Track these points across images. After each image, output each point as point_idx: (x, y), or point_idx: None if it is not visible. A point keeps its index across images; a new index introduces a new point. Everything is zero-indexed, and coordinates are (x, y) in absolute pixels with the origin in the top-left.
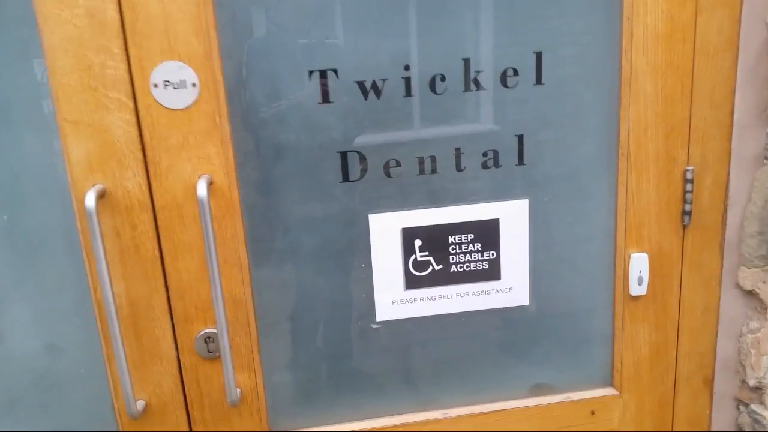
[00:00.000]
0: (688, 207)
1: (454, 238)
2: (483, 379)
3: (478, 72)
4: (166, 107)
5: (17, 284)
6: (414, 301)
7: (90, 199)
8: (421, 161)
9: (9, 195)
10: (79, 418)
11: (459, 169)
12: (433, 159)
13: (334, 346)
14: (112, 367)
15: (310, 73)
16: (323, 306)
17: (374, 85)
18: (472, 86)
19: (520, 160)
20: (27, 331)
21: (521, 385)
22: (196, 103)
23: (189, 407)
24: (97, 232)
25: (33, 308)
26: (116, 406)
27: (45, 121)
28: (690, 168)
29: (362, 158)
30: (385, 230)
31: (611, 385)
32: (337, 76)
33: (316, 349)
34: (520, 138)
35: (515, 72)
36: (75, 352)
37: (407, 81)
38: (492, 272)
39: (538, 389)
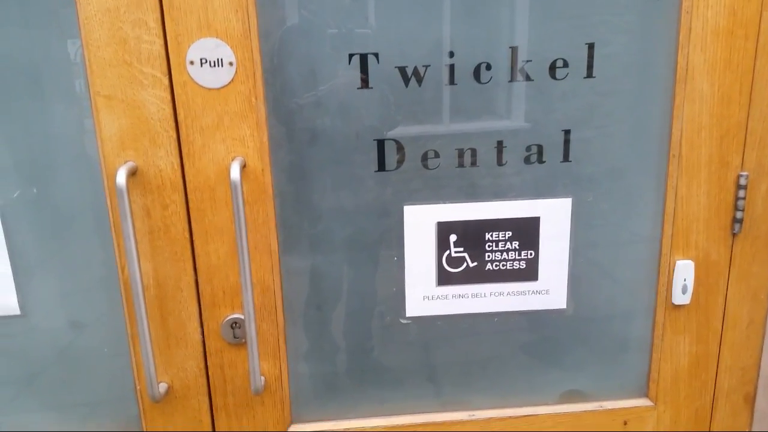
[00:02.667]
0: (739, 215)
1: (491, 235)
2: (513, 382)
3: (525, 62)
4: (201, 86)
5: (44, 259)
6: (446, 297)
7: (121, 177)
8: (461, 153)
9: (41, 169)
10: (99, 396)
11: (500, 163)
12: (473, 152)
13: (361, 339)
14: (136, 347)
15: (350, 56)
16: (352, 297)
17: (416, 72)
18: (519, 76)
19: (565, 156)
20: (52, 307)
21: (553, 390)
22: (232, 82)
23: (212, 393)
24: (127, 211)
25: (59, 284)
26: (138, 388)
27: (78, 98)
28: (744, 174)
29: (399, 147)
30: (420, 223)
31: (646, 395)
32: (378, 60)
33: (342, 341)
34: (567, 133)
35: (565, 63)
36: (99, 330)
37: (451, 68)
38: (529, 272)
39: (570, 396)
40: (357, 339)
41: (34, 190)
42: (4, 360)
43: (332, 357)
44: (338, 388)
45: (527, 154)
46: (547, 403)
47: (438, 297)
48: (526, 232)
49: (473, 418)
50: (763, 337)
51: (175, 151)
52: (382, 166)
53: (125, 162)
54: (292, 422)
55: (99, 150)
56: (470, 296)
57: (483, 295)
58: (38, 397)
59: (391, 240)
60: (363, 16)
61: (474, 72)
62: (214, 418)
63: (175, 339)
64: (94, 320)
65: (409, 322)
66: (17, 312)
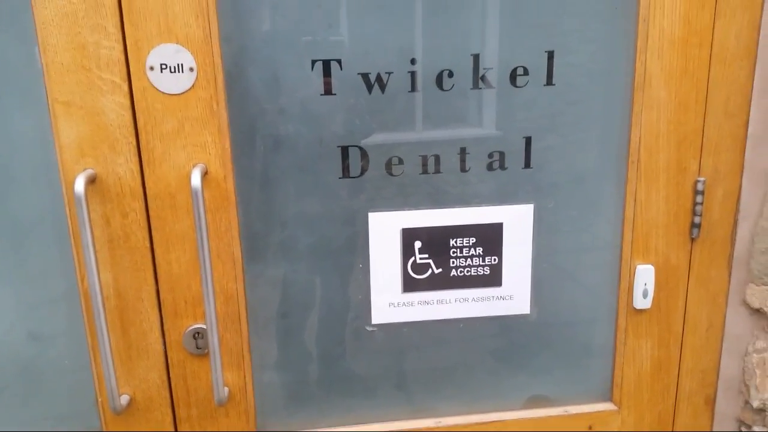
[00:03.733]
0: (697, 219)
1: (456, 241)
2: (479, 388)
3: (486, 69)
4: (161, 91)
5: (1, 270)
6: (411, 304)
7: (79, 185)
8: (425, 160)
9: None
10: (61, 409)
11: (463, 170)
12: (437, 158)
13: (327, 347)
14: (97, 359)
15: (313, 62)
16: (317, 305)
17: (379, 79)
18: (480, 84)
19: (527, 163)
20: (10, 319)
21: (518, 396)
22: (192, 88)
23: (175, 404)
24: (86, 219)
25: (17, 295)
26: (99, 400)
27: (36, 104)
28: (701, 179)
29: (364, 154)
30: (385, 230)
31: (610, 399)
32: (341, 67)
33: (308, 349)
34: (528, 140)
35: (525, 71)
36: (59, 343)
37: (413, 75)
38: (493, 278)
39: (536, 401)
40: (324, 347)
41: None
42: None
43: (298, 365)
44: (305, 397)
45: (490, 160)
46: (513, 409)
47: (403, 304)
48: (490, 238)
49: (440, 425)
50: (722, 340)
51: (135, 158)
52: (346, 173)
53: (84, 169)
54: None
55: (57, 157)
56: (435, 303)
57: (448, 302)
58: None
59: (356, 247)
60: (327, 22)
61: (436, 79)
62: (178, 429)
63: (136, 350)
64: (55, 333)
65: (375, 329)
66: None
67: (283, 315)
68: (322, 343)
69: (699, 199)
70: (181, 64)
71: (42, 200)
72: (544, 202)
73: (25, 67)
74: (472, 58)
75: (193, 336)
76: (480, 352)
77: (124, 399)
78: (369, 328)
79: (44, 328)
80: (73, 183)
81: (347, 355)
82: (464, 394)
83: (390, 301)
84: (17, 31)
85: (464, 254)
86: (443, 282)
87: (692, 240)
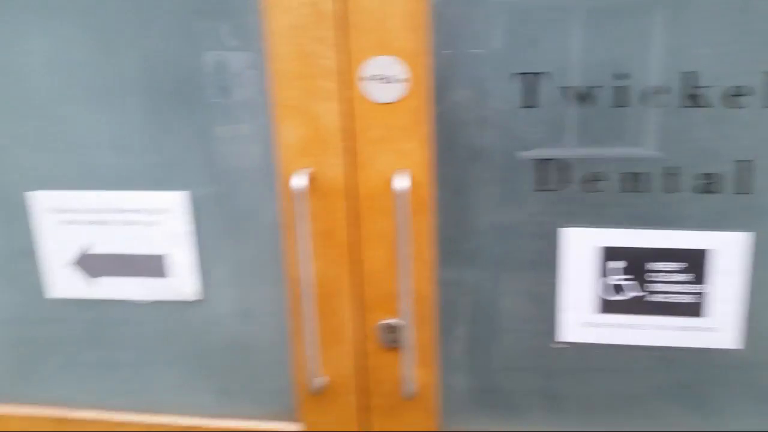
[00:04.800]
0: None
1: (658, 265)
2: (666, 422)
3: (702, 87)
4: (373, 100)
5: (224, 251)
6: (603, 326)
7: (300, 182)
8: (628, 177)
9: (228, 169)
10: (259, 384)
11: (670, 190)
12: (640, 176)
13: (510, 357)
14: (298, 341)
15: (518, 75)
16: (504, 315)
17: (585, 93)
18: (693, 102)
19: (746, 187)
20: (226, 297)
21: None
22: (402, 98)
23: (364, 393)
24: (303, 214)
25: (233, 275)
26: (296, 379)
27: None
28: None
29: (562, 168)
30: (580, 247)
31: None
32: (546, 79)
33: (492, 357)
34: (748, 163)
35: (745, 91)
36: (264, 322)
37: (623, 90)
38: (696, 307)
39: None
40: (506, 357)
41: (221, 189)
42: (182, 341)
43: (481, 372)
44: (486, 404)
45: (703, 182)
46: None
47: (595, 325)
48: (696, 264)
49: None
50: None
51: (345, 161)
52: (542, 186)
53: (301, 169)
54: (439, 430)
55: (277, 156)
56: (630, 327)
57: (644, 327)
58: (205, 379)
59: (548, 261)
60: (533, 35)
61: (647, 95)
62: (365, 416)
63: (332, 337)
64: (262, 313)
65: (562, 347)
66: (195, 298)
67: (471, 321)
68: (505, 352)
69: None
70: (394, 75)
71: (260, 195)
72: (764, 229)
73: (254, 74)
74: (685, 75)
75: (386, 330)
76: (672, 384)
77: (320, 381)
78: (554, 346)
79: (252, 307)
80: (290, 180)
81: (530, 369)
82: (649, 424)
83: (580, 321)
84: (250, 42)
85: (666, 279)
86: (640, 306)
87: None
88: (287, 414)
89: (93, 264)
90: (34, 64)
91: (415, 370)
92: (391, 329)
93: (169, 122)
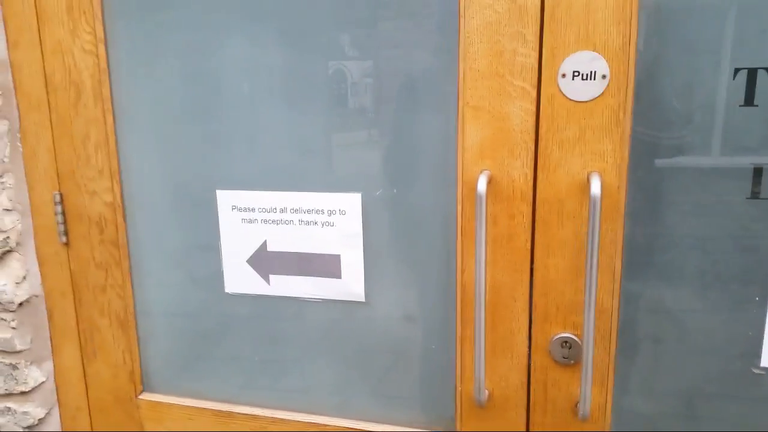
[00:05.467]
0: None
1: None
2: None
3: None
4: (569, 98)
5: (392, 253)
6: None
7: (482, 184)
8: None
9: (403, 171)
10: (419, 390)
11: None
12: None
13: (700, 381)
14: (464, 349)
15: (736, 71)
16: (695, 335)
17: None
18: None
19: None
20: (392, 299)
21: None
22: (601, 96)
23: (531, 409)
24: (483, 218)
25: (400, 278)
26: (459, 389)
27: (447, 107)
28: None
29: None
30: None
31: None
32: (765, 76)
33: (677, 380)
34: None
35: None
36: (431, 328)
37: None
38: None
39: None
40: (694, 381)
41: (395, 191)
42: (347, 342)
43: (662, 396)
44: (661, 427)
45: None
46: None
47: None
48: None
49: None
50: None
51: (531, 163)
52: (756, 194)
53: (483, 170)
54: None
55: (459, 158)
56: None
57: None
58: (366, 381)
59: (754, 277)
60: (759, 27)
61: None
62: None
63: (501, 348)
64: (427, 318)
65: (763, 372)
66: (362, 299)
67: (654, 339)
68: (692, 376)
69: None
70: (594, 72)
71: (437, 195)
72: None
73: (444, 73)
74: None
75: (561, 344)
76: None
77: (485, 393)
78: (756, 371)
79: (418, 311)
80: (471, 182)
81: (722, 396)
82: None
83: None
84: (442, 41)
85: None
86: None
87: None
88: (446, 423)
89: (270, 261)
90: (227, 67)
91: (591, 389)
92: (567, 344)
93: (349, 124)
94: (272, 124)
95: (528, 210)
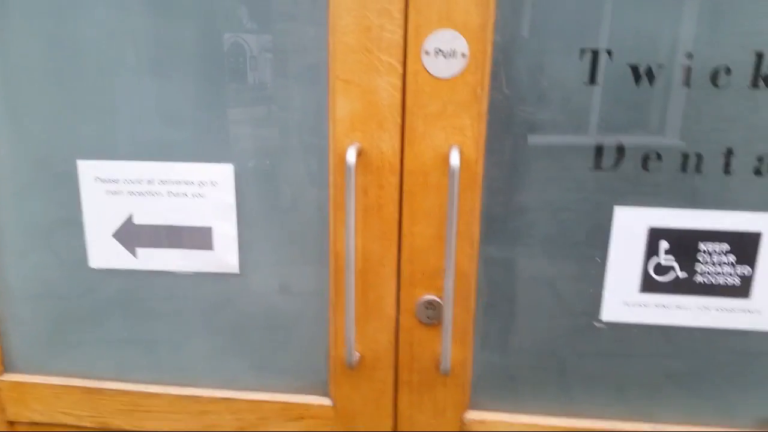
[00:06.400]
0: None
1: (706, 246)
2: (704, 400)
3: None
4: (432, 75)
5: (266, 224)
6: (647, 306)
7: (351, 156)
8: (686, 158)
9: (277, 143)
10: (294, 356)
11: (726, 171)
12: (699, 157)
13: (549, 336)
14: (337, 316)
15: (582, 51)
16: (545, 294)
17: (649, 71)
18: (762, 83)
19: None
20: (266, 270)
21: (747, 414)
22: (462, 73)
23: (398, 367)
24: (352, 188)
25: (274, 247)
26: (332, 353)
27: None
28: None
29: (620, 146)
30: (631, 226)
31: None
32: (610, 57)
33: (529, 335)
34: None
35: None
36: (305, 297)
37: (687, 70)
38: (742, 289)
39: (764, 424)
40: (545, 336)
41: (268, 162)
42: (219, 313)
43: (517, 350)
44: (519, 382)
45: (758, 164)
46: (738, 427)
47: (639, 304)
48: (745, 246)
49: (656, 430)
50: None
51: (398, 136)
52: (598, 165)
53: (353, 143)
54: (469, 408)
55: (330, 130)
56: (674, 307)
57: (688, 308)
58: (241, 348)
59: (596, 240)
60: (599, 11)
61: (711, 75)
62: (398, 391)
63: (372, 312)
64: (301, 287)
65: (603, 326)
66: (236, 271)
67: (510, 299)
68: (544, 331)
69: None
70: (455, 50)
71: (310, 167)
72: None
73: (317, 46)
74: (755, 55)
75: (426, 306)
76: (713, 365)
77: (356, 356)
78: (597, 324)
79: (294, 281)
80: (342, 154)
81: (569, 348)
82: (688, 405)
83: (625, 300)
84: (313, 15)
85: (714, 261)
86: (686, 287)
87: None
88: (320, 389)
89: (137, 234)
90: (88, 33)
91: (451, 347)
92: (431, 306)
93: (218, 95)
94: (139, 93)
95: (396, 181)
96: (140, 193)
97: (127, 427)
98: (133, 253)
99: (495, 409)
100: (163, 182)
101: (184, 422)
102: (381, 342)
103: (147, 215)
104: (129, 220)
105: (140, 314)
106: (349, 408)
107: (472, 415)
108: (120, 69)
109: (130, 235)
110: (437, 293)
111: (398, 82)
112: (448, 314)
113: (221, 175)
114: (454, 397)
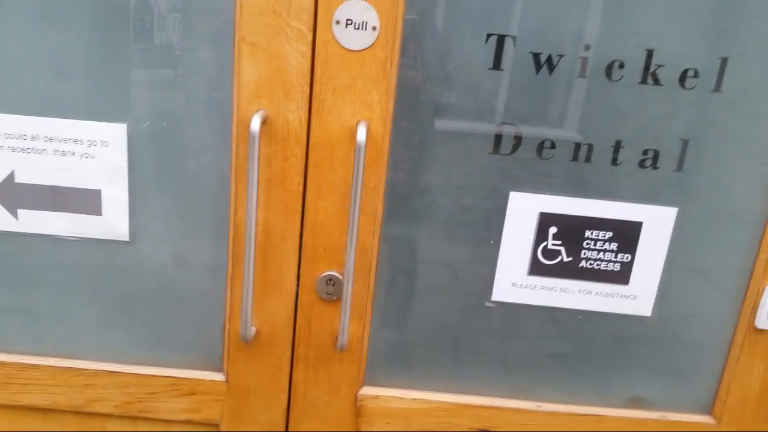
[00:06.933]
0: None
1: (592, 233)
2: (583, 380)
3: (658, 66)
4: (342, 46)
5: (162, 191)
6: (534, 287)
7: (255, 124)
8: (578, 147)
9: (174, 105)
10: (187, 331)
11: (615, 162)
12: (590, 147)
13: (443, 314)
14: (234, 289)
15: (488, 36)
16: (442, 273)
17: (549, 60)
18: (650, 80)
19: (679, 166)
20: (159, 239)
21: (620, 394)
22: (371, 47)
23: (295, 342)
24: (255, 157)
25: (170, 215)
26: (227, 327)
27: (219, 42)
28: None
29: (518, 133)
30: (523, 211)
31: (711, 413)
32: (514, 44)
33: (424, 313)
34: (685, 143)
35: (696, 73)
36: (203, 269)
37: (584, 61)
38: (621, 276)
39: (636, 402)
40: (439, 314)
41: (164, 124)
42: (107, 283)
43: (413, 327)
44: (413, 358)
45: (643, 158)
46: (613, 406)
47: (527, 286)
48: (627, 235)
49: (539, 408)
50: None
51: (305, 106)
52: (497, 150)
53: (258, 110)
54: (364, 384)
55: (234, 95)
56: (559, 290)
57: (571, 291)
58: (130, 321)
59: (491, 223)
60: None
61: (606, 69)
62: (293, 367)
63: (271, 287)
64: (197, 258)
65: (494, 306)
66: (126, 239)
67: (408, 276)
68: (438, 309)
69: None
70: (366, 22)
71: (210, 133)
72: (688, 207)
73: (223, 8)
74: (646, 52)
75: (326, 282)
76: (592, 346)
77: (252, 330)
78: (488, 304)
79: (189, 252)
80: (246, 121)
81: (461, 326)
82: (568, 384)
83: (513, 281)
84: None
85: (597, 247)
86: (571, 271)
87: None
88: (214, 364)
89: (18, 194)
90: None
91: (349, 323)
92: (331, 281)
93: (119, 51)
94: (29, 40)
95: (302, 153)
96: (23, 150)
97: (1, 401)
98: (14, 214)
99: (389, 385)
100: (49, 139)
101: (65, 395)
102: (279, 317)
103: (30, 174)
104: (10, 177)
105: (20, 281)
106: (243, 384)
107: (367, 391)
108: (8, 11)
109: (11, 194)
110: (338, 269)
111: (307, 50)
112: (347, 290)
113: (113, 136)
114: (350, 373)
